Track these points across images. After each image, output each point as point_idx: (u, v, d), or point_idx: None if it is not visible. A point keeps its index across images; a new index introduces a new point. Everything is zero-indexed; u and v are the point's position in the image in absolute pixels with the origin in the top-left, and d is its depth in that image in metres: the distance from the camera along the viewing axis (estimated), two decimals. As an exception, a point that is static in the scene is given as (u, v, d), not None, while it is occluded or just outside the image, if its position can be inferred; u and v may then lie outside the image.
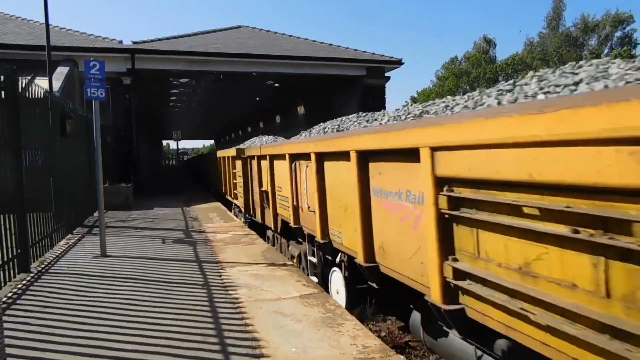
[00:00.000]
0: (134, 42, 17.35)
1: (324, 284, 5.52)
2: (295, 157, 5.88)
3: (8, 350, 3.16)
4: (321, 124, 7.11)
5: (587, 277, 1.90)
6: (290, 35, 22.48)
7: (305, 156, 5.32)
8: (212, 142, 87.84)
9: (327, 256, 5.30)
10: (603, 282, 1.84)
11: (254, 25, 24.08)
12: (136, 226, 9.46)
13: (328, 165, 4.78)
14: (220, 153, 14.31)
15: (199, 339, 3.50)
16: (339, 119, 6.75)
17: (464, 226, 2.64)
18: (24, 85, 5.79)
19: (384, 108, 19.44)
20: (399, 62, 19.71)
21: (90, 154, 9.39)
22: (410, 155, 3.01)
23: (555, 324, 2.02)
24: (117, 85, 16.02)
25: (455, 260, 2.70)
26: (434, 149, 2.76)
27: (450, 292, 2.75)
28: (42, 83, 7.86)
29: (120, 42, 17.18)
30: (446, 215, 2.73)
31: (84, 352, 3.28)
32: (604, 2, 79.91)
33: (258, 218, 8.77)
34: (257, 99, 28.52)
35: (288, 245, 7.12)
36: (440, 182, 2.74)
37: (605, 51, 46.36)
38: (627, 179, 1.64)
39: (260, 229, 8.84)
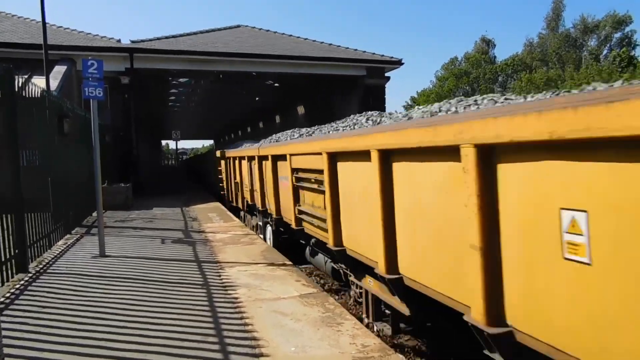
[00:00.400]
0: (133, 41, 17.29)
1: (265, 237, 8.36)
2: (250, 159, 8.83)
3: (6, 350, 3.14)
4: (273, 135, 9.94)
5: (322, 203, 4.84)
6: (290, 35, 22.44)
7: (253, 158, 8.25)
8: (211, 142, 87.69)
9: (265, 219, 8.28)
10: (324, 203, 4.71)
11: (254, 25, 24.07)
12: (135, 226, 9.44)
13: (264, 163, 7.54)
14: (218, 153, 14.63)
15: (199, 338, 3.48)
16: (282, 132, 9.61)
17: (301, 190, 5.75)
18: (20, 84, 5.76)
19: (384, 108, 19.45)
20: (399, 62, 19.68)
21: (89, 154, 9.36)
22: (286, 158, 6.04)
23: (319, 224, 5.06)
24: (115, 84, 15.96)
25: (299, 205, 5.81)
26: (291, 155, 5.84)
27: (298, 221, 5.88)
28: (39, 82, 7.82)
29: (119, 41, 17.11)
30: (295, 185, 5.84)
31: (83, 352, 3.26)
32: (603, 3, 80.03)
33: (234, 202, 11.74)
34: (257, 99, 28.48)
35: (251, 219, 10.03)
36: (293, 170, 5.83)
37: (605, 52, 46.42)
38: (320, 166, 4.66)
39: (236, 211, 11.80)
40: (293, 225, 5.95)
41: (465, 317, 2.54)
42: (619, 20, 45.61)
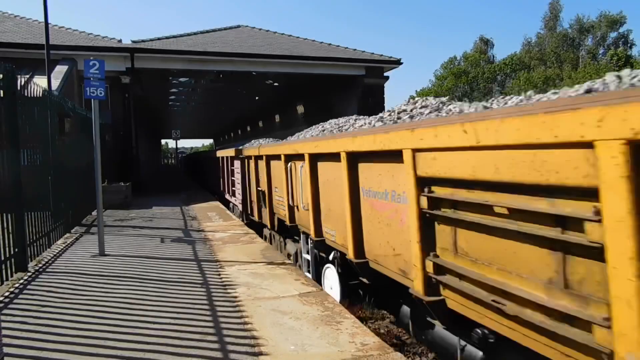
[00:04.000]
0: (134, 41, 17.31)
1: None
2: (226, 158, 11.59)
3: (6, 350, 3.15)
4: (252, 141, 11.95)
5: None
6: (290, 35, 22.46)
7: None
8: (211, 141, 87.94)
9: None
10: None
11: (254, 25, 24.09)
12: (135, 225, 9.45)
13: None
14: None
15: (198, 337, 3.48)
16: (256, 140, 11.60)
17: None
18: (22, 84, 5.77)
19: (384, 107, 19.48)
20: (397, 62, 19.70)
21: (89, 153, 9.36)
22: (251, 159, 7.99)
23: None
24: (116, 84, 15.99)
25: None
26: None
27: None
28: (40, 82, 7.84)
29: (120, 41, 17.14)
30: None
31: (82, 351, 3.26)
32: (600, 4, 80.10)
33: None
34: (257, 98, 28.50)
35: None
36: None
37: (601, 51, 46.45)
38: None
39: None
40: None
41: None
42: (613, 20, 45.66)
